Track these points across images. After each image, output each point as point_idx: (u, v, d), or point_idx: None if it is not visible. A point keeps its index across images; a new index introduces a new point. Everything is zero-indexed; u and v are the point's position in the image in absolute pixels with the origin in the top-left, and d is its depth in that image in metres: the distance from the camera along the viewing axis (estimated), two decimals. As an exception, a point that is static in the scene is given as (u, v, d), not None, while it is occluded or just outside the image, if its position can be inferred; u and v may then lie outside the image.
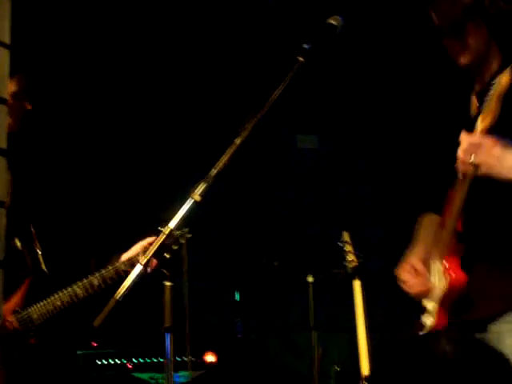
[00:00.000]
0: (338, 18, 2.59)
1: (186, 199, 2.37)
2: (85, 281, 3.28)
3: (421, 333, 2.82)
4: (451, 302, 2.72)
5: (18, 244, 3.40)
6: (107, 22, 5.13)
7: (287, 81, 2.45)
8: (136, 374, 4.85)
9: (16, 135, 3.48)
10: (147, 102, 5.63)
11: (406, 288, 2.88)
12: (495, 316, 2.66)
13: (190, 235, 3.40)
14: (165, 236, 2.36)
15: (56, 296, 3.30)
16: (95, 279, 3.27)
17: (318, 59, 2.49)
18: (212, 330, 5.30)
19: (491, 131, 2.45)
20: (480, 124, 2.46)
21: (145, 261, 2.37)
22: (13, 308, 3.30)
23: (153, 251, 2.36)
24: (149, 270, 3.24)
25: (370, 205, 5.79)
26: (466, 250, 2.72)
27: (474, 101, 2.80)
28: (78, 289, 3.29)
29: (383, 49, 5.38)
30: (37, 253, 3.44)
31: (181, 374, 4.47)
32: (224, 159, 2.39)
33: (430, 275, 2.83)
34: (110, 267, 3.33)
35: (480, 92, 2.75)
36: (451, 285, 2.68)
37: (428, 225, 3.04)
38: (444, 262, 2.74)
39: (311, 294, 4.90)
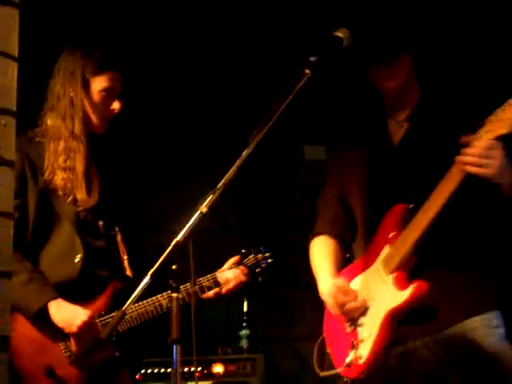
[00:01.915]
0: (345, 30, 2.60)
1: (194, 211, 2.37)
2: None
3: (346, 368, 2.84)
4: (407, 311, 2.73)
5: (104, 247, 3.36)
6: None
7: (294, 93, 2.46)
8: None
9: (102, 137, 3.43)
10: (157, 114, 5.65)
11: (342, 311, 2.87)
12: (455, 324, 2.74)
13: (271, 260, 3.44)
14: (172, 247, 2.36)
15: (141, 304, 3.24)
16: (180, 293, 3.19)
17: (324, 71, 2.50)
18: (219, 341, 5.30)
19: (500, 139, 2.55)
20: (487, 133, 2.54)
21: (151, 272, 2.37)
22: (97, 311, 3.25)
23: (160, 262, 2.36)
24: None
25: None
26: (420, 261, 2.74)
27: (394, 124, 2.94)
28: (162, 300, 3.24)
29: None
30: (122, 258, 3.40)
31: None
32: (232, 171, 2.40)
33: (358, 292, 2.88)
34: (211, 275, 3.33)
35: (413, 114, 2.91)
36: (414, 293, 2.69)
37: (325, 247, 3.12)
38: (394, 274, 2.77)
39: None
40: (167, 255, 2.35)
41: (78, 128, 3.29)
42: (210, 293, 3.35)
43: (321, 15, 4.98)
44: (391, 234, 2.80)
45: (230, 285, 3.37)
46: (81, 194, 3.27)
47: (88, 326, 3.15)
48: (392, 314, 2.73)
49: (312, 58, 2.51)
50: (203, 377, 4.88)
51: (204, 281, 3.33)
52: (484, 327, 2.75)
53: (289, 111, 2.45)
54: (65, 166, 3.27)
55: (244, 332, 5.27)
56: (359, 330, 2.84)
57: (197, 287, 3.29)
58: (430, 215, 2.65)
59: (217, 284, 3.35)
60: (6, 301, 1.90)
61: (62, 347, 3.21)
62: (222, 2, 5.30)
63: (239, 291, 3.41)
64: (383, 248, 2.83)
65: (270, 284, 3.60)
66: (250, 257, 3.41)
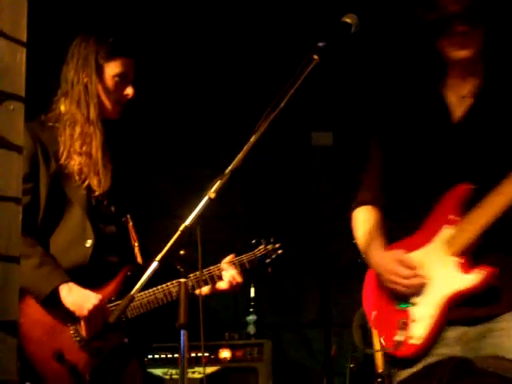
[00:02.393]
0: (354, 16, 2.59)
1: (202, 196, 2.38)
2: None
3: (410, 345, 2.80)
4: (470, 295, 2.71)
5: (115, 232, 3.37)
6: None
7: (302, 79, 2.45)
8: (150, 370, 4.88)
9: (115, 122, 3.43)
10: (166, 101, 5.65)
11: (399, 285, 2.83)
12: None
13: (281, 251, 3.42)
14: (180, 233, 2.37)
15: (151, 291, 3.24)
16: (189, 281, 3.10)
17: (333, 57, 2.49)
18: (227, 326, 5.31)
19: None
20: None
21: (159, 257, 2.38)
22: (108, 297, 3.26)
23: (168, 248, 2.37)
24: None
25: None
26: (484, 245, 2.71)
27: (454, 98, 2.87)
28: (172, 287, 3.24)
29: (400, 44, 5.37)
30: (133, 244, 3.40)
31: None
32: (239, 157, 2.40)
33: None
34: (207, 270, 3.29)
35: (478, 90, 2.83)
36: (485, 279, 2.67)
37: (373, 218, 3.05)
38: (458, 257, 2.74)
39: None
40: (175, 240, 2.36)
41: (93, 113, 3.30)
42: (205, 289, 3.32)
43: (331, 1, 4.97)
44: (451, 215, 2.76)
45: (225, 285, 3.33)
46: (95, 180, 3.29)
47: (99, 310, 3.17)
48: (455, 296, 2.72)
49: (320, 44, 2.50)
50: (210, 362, 4.90)
51: (214, 270, 3.32)
52: None
53: (297, 97, 2.45)
54: (81, 151, 3.29)
55: (251, 317, 5.28)
56: (411, 309, 2.81)
57: (206, 274, 3.29)
58: (506, 199, 2.61)
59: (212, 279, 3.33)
60: (14, 286, 1.90)
61: (71, 331, 3.22)
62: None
63: (232, 291, 3.37)
64: (442, 228, 2.79)
65: (277, 270, 3.60)
66: (261, 247, 3.40)
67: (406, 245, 2.91)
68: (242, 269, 3.33)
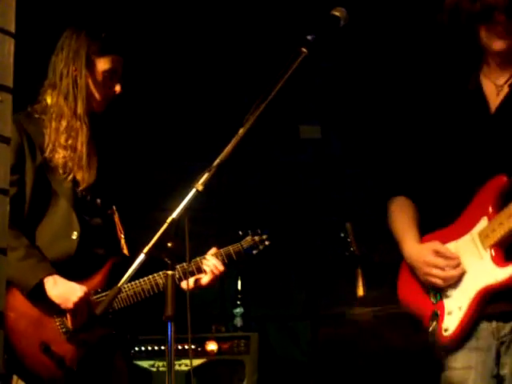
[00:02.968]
0: (342, 9, 2.59)
1: (190, 189, 2.38)
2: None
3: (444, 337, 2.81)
4: (504, 290, 2.70)
5: (101, 224, 3.36)
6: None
7: (290, 72, 2.45)
8: (137, 362, 4.88)
9: (102, 116, 3.42)
10: (153, 93, 5.64)
11: (437, 277, 2.81)
12: None
13: (268, 242, 3.42)
14: (167, 225, 2.37)
15: (137, 282, 3.23)
16: (176, 272, 3.02)
17: (321, 50, 2.49)
18: (213, 319, 5.32)
19: None
20: None
21: (147, 249, 2.38)
22: (94, 288, 3.25)
23: (155, 240, 2.37)
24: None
25: (372, 196, 5.79)
26: None
27: (492, 88, 2.88)
28: (159, 278, 3.23)
29: (390, 38, 5.38)
30: (119, 236, 3.40)
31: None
32: (228, 150, 2.40)
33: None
34: (193, 261, 3.28)
35: None
36: None
37: (406, 209, 3.03)
38: (493, 250, 2.73)
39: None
40: (162, 233, 2.36)
41: (80, 108, 3.30)
42: (190, 283, 3.30)
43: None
44: (490, 207, 2.75)
45: (208, 277, 3.30)
46: (80, 174, 3.28)
47: (84, 303, 3.16)
48: (489, 289, 2.71)
49: (309, 37, 2.50)
50: (197, 354, 4.90)
51: (201, 261, 3.32)
52: None
53: (285, 90, 2.45)
54: (66, 145, 3.28)
55: (238, 310, 5.29)
56: (446, 301, 2.81)
57: (193, 266, 3.29)
58: None
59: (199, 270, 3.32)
60: (1, 277, 1.89)
61: (57, 323, 3.22)
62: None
63: (214, 284, 3.36)
64: (480, 220, 2.77)
65: (263, 262, 3.60)
66: (248, 238, 3.41)
67: (441, 236, 2.88)
68: (228, 260, 3.33)
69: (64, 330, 3.21)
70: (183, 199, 2.38)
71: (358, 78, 5.66)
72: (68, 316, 3.19)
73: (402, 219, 3.01)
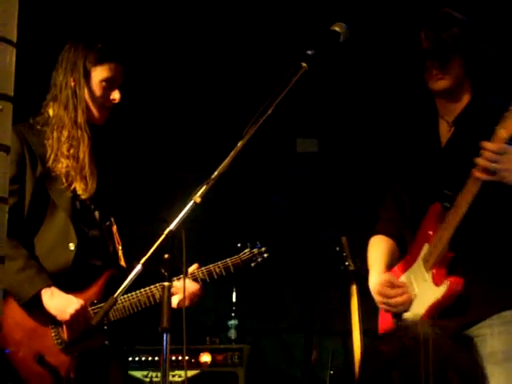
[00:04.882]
0: (343, 25, 2.61)
1: (188, 201, 2.38)
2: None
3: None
4: (445, 306, 2.83)
5: (99, 236, 3.37)
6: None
7: (290, 86, 2.46)
8: (130, 372, 4.86)
9: (101, 128, 3.43)
10: (151, 105, 5.65)
11: (388, 305, 3.01)
12: (483, 319, 2.84)
13: (267, 255, 3.44)
14: (164, 236, 2.37)
15: (134, 294, 3.24)
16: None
17: (321, 64, 2.51)
18: (208, 331, 5.31)
19: None
20: (501, 133, 2.65)
21: (143, 260, 2.38)
22: (90, 300, 3.25)
23: (152, 251, 2.37)
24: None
25: (368, 210, 5.80)
26: (456, 257, 2.86)
27: (445, 125, 3.06)
28: (155, 290, 3.24)
29: (387, 52, 5.40)
30: (117, 248, 3.40)
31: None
32: (226, 162, 2.41)
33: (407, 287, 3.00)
34: (190, 274, 3.29)
35: (458, 118, 3.01)
36: (450, 289, 2.80)
37: (380, 246, 3.24)
38: (432, 271, 2.88)
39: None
40: (159, 244, 2.36)
41: (81, 117, 3.32)
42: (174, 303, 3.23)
43: (320, 10, 4.99)
44: (430, 232, 2.92)
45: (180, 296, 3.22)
46: (82, 184, 3.30)
47: (80, 315, 3.17)
48: (431, 310, 2.85)
49: (309, 52, 2.51)
50: (190, 366, 4.89)
51: (198, 272, 3.33)
52: None
53: (283, 104, 2.46)
54: (68, 154, 3.30)
55: (233, 322, 5.29)
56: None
57: (190, 277, 3.29)
58: (459, 214, 2.76)
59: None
60: (-2, 286, 1.90)
61: (52, 334, 3.22)
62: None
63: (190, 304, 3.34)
64: (423, 245, 2.95)
65: (259, 275, 3.60)
66: (246, 251, 3.42)
67: (404, 264, 3.10)
68: (226, 272, 3.34)
69: (59, 340, 3.21)
70: (181, 211, 2.38)
71: (356, 92, 5.68)
72: (64, 328, 3.19)
73: (372, 254, 3.24)
